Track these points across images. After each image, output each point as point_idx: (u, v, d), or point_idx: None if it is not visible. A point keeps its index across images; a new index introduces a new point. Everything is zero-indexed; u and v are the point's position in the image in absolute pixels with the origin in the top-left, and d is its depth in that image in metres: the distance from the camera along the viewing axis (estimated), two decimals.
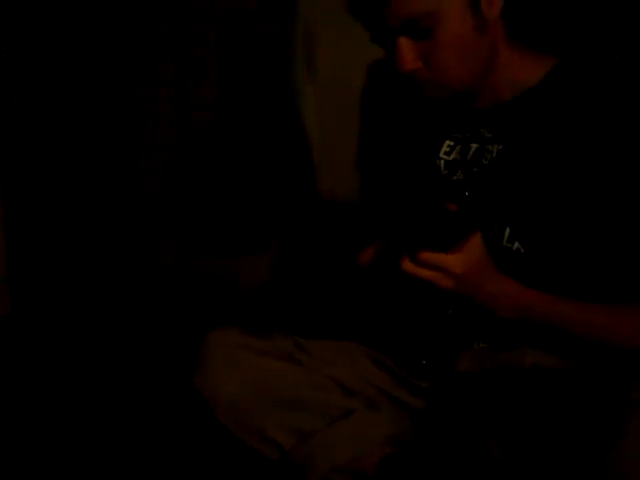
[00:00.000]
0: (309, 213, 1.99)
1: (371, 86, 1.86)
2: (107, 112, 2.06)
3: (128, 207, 2.11)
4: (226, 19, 1.96)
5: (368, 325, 1.35)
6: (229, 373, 1.17)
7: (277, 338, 1.23)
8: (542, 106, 1.10)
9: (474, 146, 1.17)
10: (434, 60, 1.05)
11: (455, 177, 1.18)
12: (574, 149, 1.05)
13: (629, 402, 0.85)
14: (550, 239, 1.07)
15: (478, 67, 1.09)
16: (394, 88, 1.68)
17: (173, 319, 1.91)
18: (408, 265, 1.01)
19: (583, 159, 1.04)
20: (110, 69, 2.04)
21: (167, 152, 2.08)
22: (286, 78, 1.97)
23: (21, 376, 1.74)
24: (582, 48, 1.33)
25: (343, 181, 1.92)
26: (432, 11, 1.02)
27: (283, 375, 1.18)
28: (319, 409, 1.17)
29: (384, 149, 1.61)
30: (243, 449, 1.17)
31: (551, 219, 1.07)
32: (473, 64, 1.08)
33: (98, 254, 2.11)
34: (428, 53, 1.05)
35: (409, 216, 1.04)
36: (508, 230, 1.10)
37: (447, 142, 1.21)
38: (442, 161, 1.21)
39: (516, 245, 1.09)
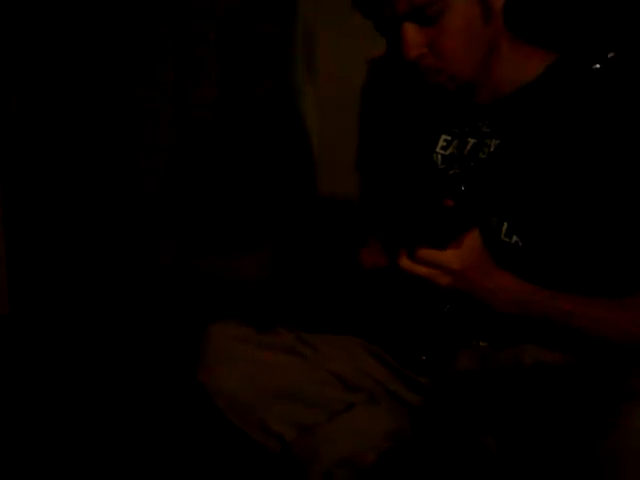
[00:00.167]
0: (309, 212, 1.99)
1: (371, 86, 1.86)
2: (107, 112, 2.06)
3: (128, 207, 2.11)
4: (226, 19, 1.96)
5: (368, 321, 1.35)
6: (231, 366, 1.17)
7: (278, 331, 1.23)
8: (540, 101, 1.10)
9: (471, 141, 1.17)
10: (440, 46, 1.06)
11: (452, 171, 1.18)
12: (572, 143, 1.05)
13: (625, 391, 0.85)
14: (548, 232, 1.07)
15: (481, 56, 1.09)
16: (393, 86, 1.69)
17: (173, 319, 1.91)
18: (406, 262, 1.02)
19: (580, 153, 1.05)
20: (110, 69, 2.04)
21: (167, 152, 2.08)
22: (286, 78, 1.97)
23: (20, 376, 1.73)
24: (581, 44, 1.32)
25: (343, 181, 1.92)
26: None
27: (284, 368, 1.18)
28: (320, 403, 1.17)
29: (383, 147, 1.61)
30: (245, 442, 1.17)
31: (549, 212, 1.07)
32: (477, 53, 1.08)
33: (98, 254, 2.11)
34: (434, 39, 1.05)
35: (406, 212, 1.04)
36: (506, 224, 1.10)
37: (444, 137, 1.22)
38: (439, 156, 1.21)
39: (514, 239, 1.09)
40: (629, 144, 1.02)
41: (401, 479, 1.12)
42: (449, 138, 1.21)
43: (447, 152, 1.21)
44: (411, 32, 1.05)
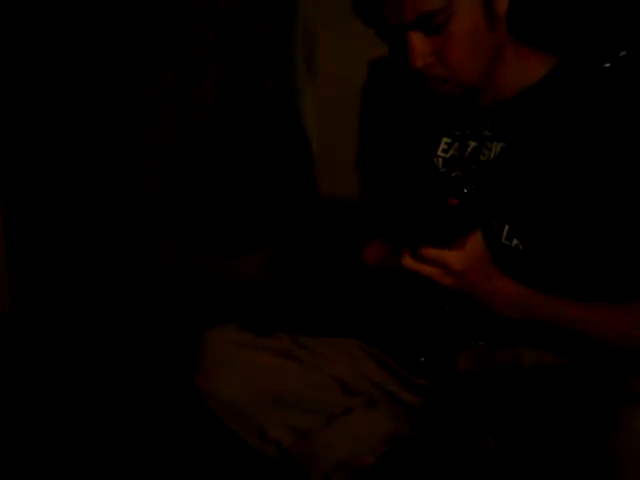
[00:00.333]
0: (309, 213, 1.99)
1: (371, 86, 1.86)
2: (107, 112, 2.06)
3: (128, 207, 2.11)
4: (226, 19, 1.96)
5: (367, 323, 1.35)
6: (228, 371, 1.17)
7: (276, 336, 1.23)
8: (542, 104, 1.10)
9: (472, 144, 1.17)
10: (447, 55, 1.05)
11: (453, 174, 1.18)
12: (574, 147, 1.05)
13: (625, 393, 0.85)
14: (549, 236, 1.07)
15: (486, 62, 1.09)
16: (394, 87, 1.69)
17: (173, 319, 1.91)
18: (409, 261, 1.01)
19: (582, 157, 1.04)
20: (110, 69, 2.04)
21: (167, 152, 2.08)
22: (286, 78, 1.97)
23: (20, 374, 1.73)
24: (583, 47, 1.33)
25: (343, 181, 1.92)
26: (448, 5, 1.01)
27: (282, 373, 1.18)
28: (319, 407, 1.17)
29: (383, 148, 1.61)
30: (242, 447, 1.17)
31: (550, 216, 1.07)
32: (483, 58, 1.08)
33: (98, 254, 2.11)
34: (440, 48, 1.04)
35: (408, 213, 1.05)
36: (507, 227, 1.10)
37: (444, 139, 1.22)
38: (440, 159, 1.21)
39: (515, 242, 1.09)
40: (632, 149, 1.02)
41: None
42: (450, 141, 1.21)
43: (448, 155, 1.21)
44: (417, 41, 1.04)
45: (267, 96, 1.99)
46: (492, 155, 1.14)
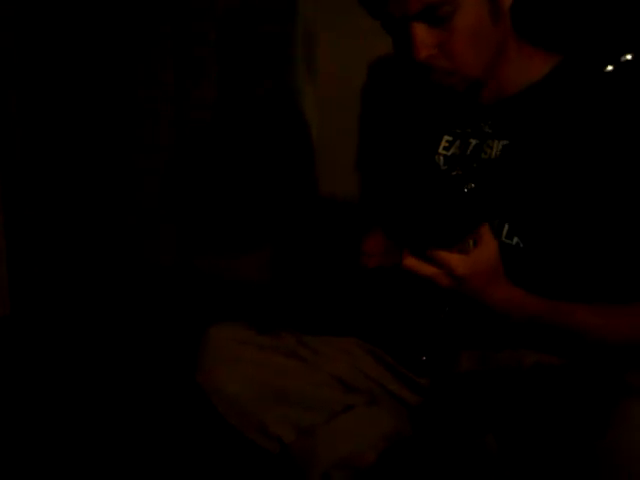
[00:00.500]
0: (309, 212, 1.99)
1: (371, 86, 1.86)
2: (107, 112, 2.06)
3: (128, 207, 2.11)
4: (226, 19, 1.96)
5: (369, 322, 1.35)
6: (230, 368, 1.17)
7: (278, 333, 1.23)
8: (544, 102, 1.10)
9: (474, 141, 1.17)
10: (450, 47, 1.05)
11: (455, 172, 1.18)
12: (576, 145, 1.05)
13: (624, 388, 0.85)
14: (550, 234, 1.07)
15: (490, 56, 1.08)
16: (394, 87, 1.69)
17: (173, 319, 1.91)
18: (409, 261, 1.01)
19: (584, 156, 1.04)
20: (110, 69, 2.04)
21: (167, 152, 2.08)
22: (286, 78, 1.97)
23: (21, 376, 1.73)
24: (586, 46, 1.33)
25: (343, 181, 1.92)
26: None
27: (284, 370, 1.18)
28: (320, 404, 1.17)
29: (384, 147, 1.61)
30: (244, 443, 1.17)
31: (552, 215, 1.06)
32: (486, 53, 1.07)
33: (98, 254, 2.11)
34: (444, 40, 1.04)
35: (409, 212, 1.04)
36: (507, 225, 1.10)
37: (446, 137, 1.21)
38: (441, 157, 1.21)
39: (515, 240, 1.09)
40: (634, 148, 1.02)
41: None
42: (451, 139, 1.21)
43: (449, 153, 1.20)
44: (421, 33, 1.03)
45: (267, 96, 1.99)
46: (494, 153, 1.14)
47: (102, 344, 1.84)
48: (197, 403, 1.18)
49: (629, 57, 1.07)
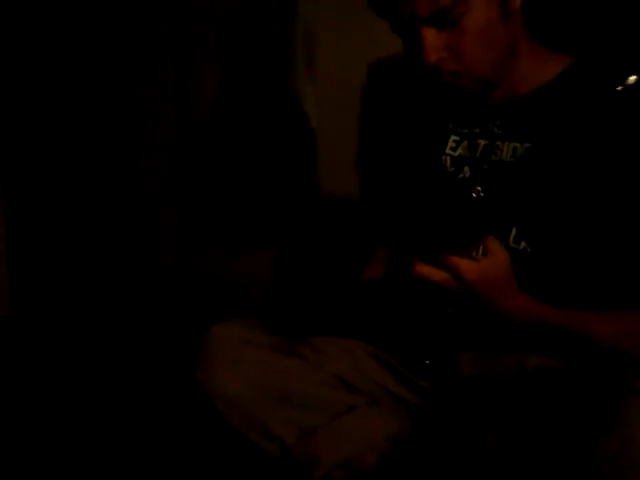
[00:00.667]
0: (309, 213, 1.99)
1: (371, 85, 1.86)
2: (107, 112, 2.06)
3: (128, 207, 2.11)
4: (226, 19, 1.96)
5: (371, 324, 1.35)
6: (232, 368, 1.16)
7: (280, 333, 1.22)
8: (556, 104, 1.08)
9: (482, 142, 1.15)
10: (460, 49, 1.04)
11: (461, 175, 1.16)
12: (588, 149, 1.04)
13: (625, 389, 0.85)
14: (559, 239, 1.06)
15: (500, 57, 1.07)
16: (395, 86, 1.69)
17: (173, 319, 1.91)
18: (422, 268, 1.01)
19: (598, 159, 1.03)
20: (110, 69, 2.04)
21: (167, 152, 2.08)
22: (286, 78, 1.97)
23: (20, 376, 1.73)
24: (599, 47, 1.32)
25: (343, 181, 1.92)
26: (463, 0, 1.01)
27: (286, 371, 1.17)
28: (322, 405, 1.16)
29: (386, 148, 1.60)
30: (245, 444, 1.17)
31: (562, 219, 1.05)
32: (496, 54, 1.06)
33: (98, 254, 2.11)
34: (454, 42, 1.03)
35: (415, 216, 1.04)
36: (514, 230, 1.09)
37: (453, 137, 1.20)
38: (448, 157, 1.19)
39: (522, 245, 1.08)
40: None
41: None
42: (458, 139, 1.19)
43: (456, 153, 1.19)
44: (431, 36, 1.02)
45: (267, 96, 1.99)
46: (504, 155, 1.13)
47: (102, 344, 1.84)
48: (197, 403, 1.18)
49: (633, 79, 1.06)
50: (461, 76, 1.06)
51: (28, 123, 2.01)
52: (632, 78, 1.02)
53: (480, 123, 1.16)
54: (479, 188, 1.01)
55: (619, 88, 1.03)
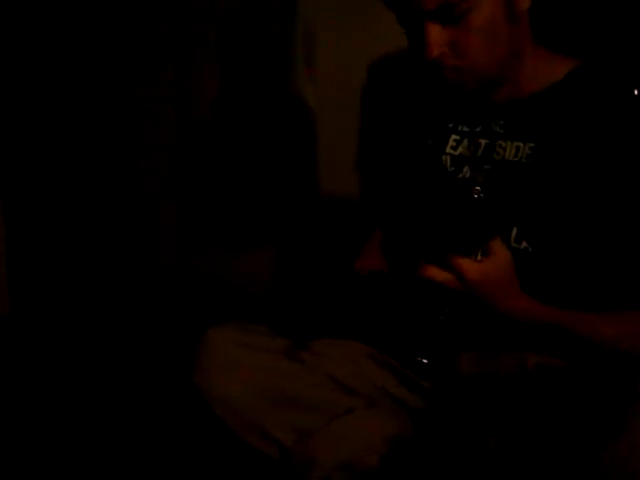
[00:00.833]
0: (309, 213, 1.99)
1: (371, 85, 1.86)
2: (107, 112, 2.06)
3: (128, 207, 2.11)
4: (226, 19, 1.96)
5: (371, 324, 1.35)
6: (229, 371, 1.16)
7: (278, 335, 1.22)
8: (561, 105, 1.08)
9: (484, 142, 1.15)
10: (462, 46, 1.04)
11: (461, 174, 1.16)
12: (593, 150, 1.04)
13: (632, 395, 0.84)
14: (561, 239, 1.06)
15: (503, 57, 1.07)
16: (395, 85, 1.69)
17: (173, 319, 1.91)
18: (430, 270, 1.01)
19: (602, 160, 1.03)
20: (110, 69, 2.04)
21: (167, 152, 2.08)
22: (286, 78, 1.97)
23: (20, 376, 1.73)
24: (604, 51, 1.32)
25: (343, 181, 1.92)
26: None
27: (283, 373, 1.17)
28: (320, 407, 1.16)
29: (386, 147, 1.60)
30: (243, 447, 1.17)
31: (564, 219, 1.05)
32: (499, 53, 1.07)
33: (98, 254, 2.11)
34: (457, 38, 1.04)
35: (416, 216, 1.04)
36: (515, 229, 1.09)
37: (453, 136, 1.20)
38: (448, 157, 1.19)
39: (524, 244, 1.08)
40: None
41: None
42: (458, 138, 1.19)
43: (457, 153, 1.19)
44: (435, 31, 1.03)
45: (267, 96, 1.99)
46: (507, 154, 1.13)
47: (101, 344, 1.84)
48: (194, 405, 1.18)
49: None
50: (462, 73, 1.07)
51: (28, 123, 2.01)
52: None
53: (481, 122, 1.16)
54: (479, 188, 1.01)
55: (636, 92, 1.03)
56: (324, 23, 1.88)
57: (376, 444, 1.14)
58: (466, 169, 1.16)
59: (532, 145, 1.10)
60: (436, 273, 1.01)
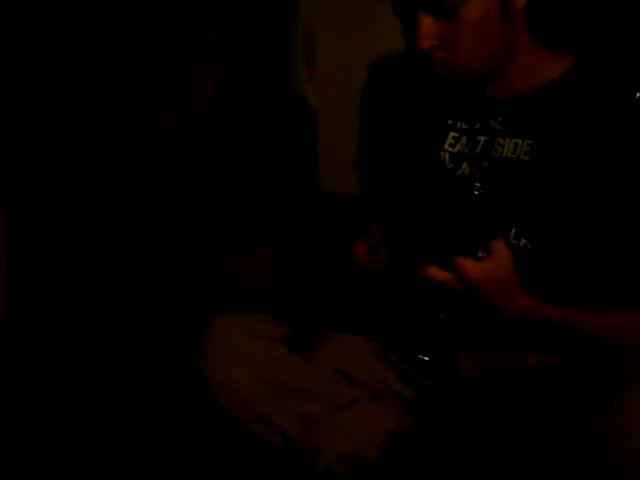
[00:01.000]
0: (309, 212, 1.99)
1: (371, 85, 1.86)
2: (107, 112, 2.06)
3: (128, 207, 2.11)
4: (226, 19, 1.96)
5: (372, 320, 1.35)
6: (233, 359, 1.16)
7: (282, 325, 1.23)
8: (561, 102, 1.09)
9: (482, 138, 1.15)
10: (453, 40, 1.05)
11: (460, 171, 1.16)
12: (592, 147, 1.04)
13: (621, 376, 0.85)
14: (561, 236, 1.06)
15: (495, 54, 1.08)
16: (395, 85, 1.69)
17: (173, 319, 1.91)
18: (431, 270, 1.00)
19: (601, 157, 1.03)
20: (110, 69, 2.04)
21: (167, 152, 2.08)
22: (286, 78, 1.97)
23: (20, 376, 1.73)
24: (601, 47, 1.32)
25: (343, 180, 1.92)
26: None
27: (288, 364, 1.18)
28: (324, 399, 1.16)
29: (385, 147, 1.60)
30: (247, 436, 1.17)
31: (564, 217, 1.05)
32: (491, 50, 1.07)
33: (98, 254, 2.11)
34: (448, 32, 1.04)
35: (416, 214, 1.03)
36: (515, 227, 1.09)
37: (452, 134, 1.20)
38: (447, 154, 1.19)
39: (523, 242, 1.08)
40: None
41: (401, 476, 1.12)
42: (457, 135, 1.19)
43: (455, 150, 1.19)
44: (426, 22, 1.04)
45: (267, 96, 1.99)
46: (505, 151, 1.13)
47: (101, 344, 1.84)
48: (198, 394, 1.18)
49: None
50: (452, 67, 1.07)
51: (28, 123, 2.01)
52: None
53: (480, 119, 1.16)
54: (478, 184, 1.01)
55: (638, 95, 1.03)
56: (324, 23, 1.87)
57: (378, 437, 1.14)
58: (465, 166, 1.16)
59: (530, 142, 1.10)
60: (436, 273, 1.01)
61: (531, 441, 0.98)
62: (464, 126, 1.18)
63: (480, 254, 1.00)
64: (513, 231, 1.09)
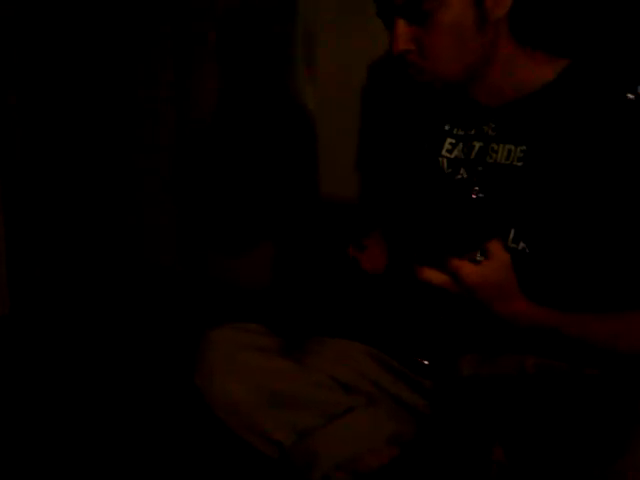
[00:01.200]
0: (309, 213, 1.99)
1: (371, 86, 1.86)
2: (107, 112, 2.06)
3: (128, 207, 2.11)
4: (226, 19, 1.96)
5: (371, 324, 1.35)
6: (230, 372, 1.17)
7: (276, 336, 1.23)
8: (553, 107, 1.09)
9: (477, 144, 1.16)
10: (427, 46, 1.05)
11: (458, 176, 1.17)
12: (586, 151, 1.04)
13: (636, 414, 0.85)
14: (558, 240, 1.06)
15: (472, 61, 1.07)
16: (395, 87, 1.69)
17: (173, 319, 1.91)
18: (428, 273, 1.00)
19: (597, 161, 1.03)
20: (110, 69, 2.04)
21: (167, 152, 2.08)
22: (286, 78, 1.97)
23: (20, 376, 1.74)
24: (593, 50, 1.32)
25: (343, 181, 1.92)
26: None
27: (283, 374, 1.18)
28: (320, 407, 1.16)
29: (385, 148, 1.60)
30: (243, 447, 1.17)
31: (561, 221, 1.05)
32: (466, 57, 1.07)
33: (98, 254, 2.11)
34: (422, 38, 1.05)
35: (415, 218, 1.04)
36: (513, 230, 1.09)
37: (449, 139, 1.20)
38: (445, 159, 1.20)
39: (521, 245, 1.08)
40: None
41: None
42: (454, 141, 1.20)
43: (452, 155, 1.20)
44: (401, 26, 1.04)
45: (267, 96, 1.99)
46: (499, 157, 1.13)
47: (101, 344, 1.84)
48: (195, 406, 1.18)
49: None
50: (425, 73, 1.07)
51: (28, 123, 2.02)
52: None
53: (475, 125, 1.17)
54: (477, 188, 1.01)
55: (631, 97, 1.02)
56: (324, 23, 1.87)
57: (376, 444, 1.14)
58: (462, 171, 1.17)
59: (523, 148, 1.10)
60: (434, 276, 1.00)
61: (537, 456, 0.98)
62: (460, 132, 1.19)
63: (478, 257, 0.99)
64: (511, 234, 1.09)
